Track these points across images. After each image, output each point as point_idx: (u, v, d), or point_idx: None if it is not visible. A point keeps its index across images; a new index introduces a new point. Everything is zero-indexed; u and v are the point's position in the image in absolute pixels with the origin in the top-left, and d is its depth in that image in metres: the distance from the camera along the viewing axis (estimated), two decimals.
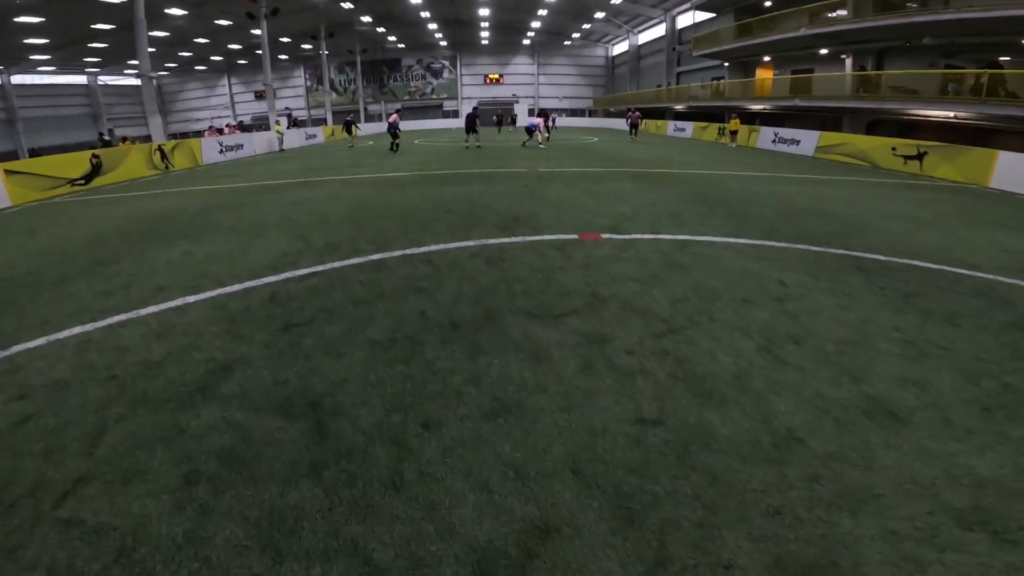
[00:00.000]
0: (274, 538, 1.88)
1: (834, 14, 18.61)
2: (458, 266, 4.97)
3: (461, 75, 47.13)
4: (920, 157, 13.56)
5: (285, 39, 37.65)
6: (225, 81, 49.82)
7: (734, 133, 22.08)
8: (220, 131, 23.76)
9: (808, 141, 18.13)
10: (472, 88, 47.34)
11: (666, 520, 1.96)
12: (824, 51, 20.84)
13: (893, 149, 14.44)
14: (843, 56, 19.95)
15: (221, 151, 18.94)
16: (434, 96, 47.78)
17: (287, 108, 44.57)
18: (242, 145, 20.61)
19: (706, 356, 3.22)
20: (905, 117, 16.86)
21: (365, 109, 43.58)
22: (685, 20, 33.03)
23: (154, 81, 18.78)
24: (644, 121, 29.58)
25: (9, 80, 36.59)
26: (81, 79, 43.03)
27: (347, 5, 31.22)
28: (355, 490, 2.12)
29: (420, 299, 4.15)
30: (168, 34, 31.76)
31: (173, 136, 36.63)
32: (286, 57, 44.69)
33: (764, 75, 25.08)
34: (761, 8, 22.93)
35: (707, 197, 8.81)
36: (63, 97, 41.60)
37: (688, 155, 17.18)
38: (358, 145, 23.90)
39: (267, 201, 8.94)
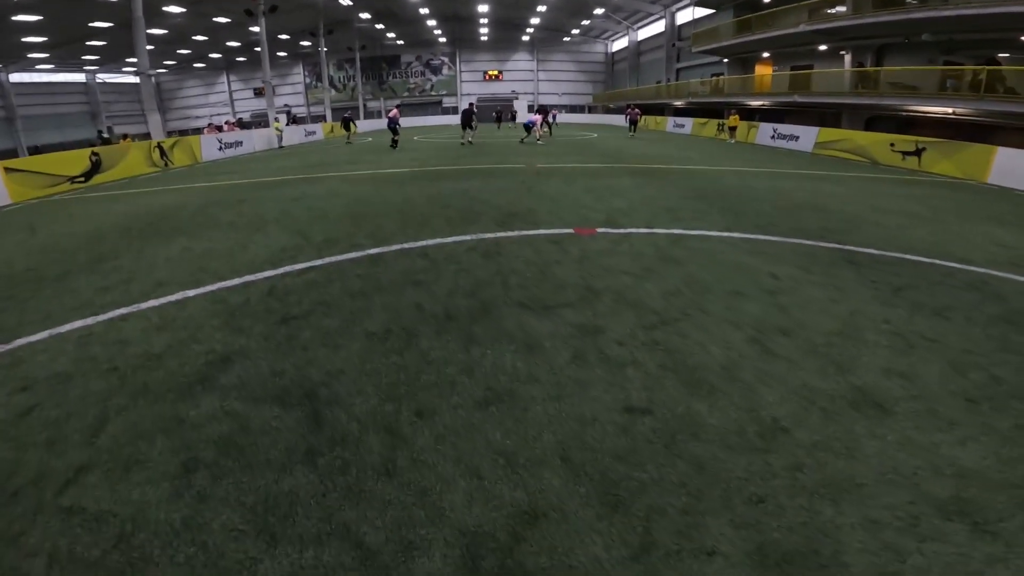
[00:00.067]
0: (269, 523, 1.94)
1: (833, 10, 18.58)
2: (455, 260, 5.02)
3: (460, 71, 47.01)
4: (919, 153, 13.56)
5: (284, 36, 37.56)
6: (224, 78, 49.73)
7: (733, 129, 22.07)
8: (219, 128, 23.74)
9: (807, 137, 18.12)
10: (471, 84, 47.23)
11: (651, 507, 2.00)
12: (823, 47, 20.82)
13: (892, 145, 14.45)
14: (842, 52, 19.93)
15: (220, 148, 18.97)
16: (433, 93, 47.68)
17: (286, 105, 44.50)
18: (241, 142, 20.63)
19: (696, 347, 3.26)
20: (904, 113, 16.85)
21: (364, 106, 43.53)
22: (684, 16, 32.91)
23: (153, 79, 18.78)
24: (644, 118, 29.53)
25: (8, 78, 36.57)
26: (80, 77, 42.98)
27: (346, 2, 31.11)
28: (349, 476, 2.17)
29: (417, 292, 4.20)
30: (166, 32, 31.68)
31: (172, 134, 36.70)
32: (285, 54, 44.59)
33: (763, 71, 25.07)
34: (760, 4, 22.86)
35: (704, 193, 8.84)
36: (62, 95, 41.55)
37: (687, 151, 17.18)
38: (356, 142, 23.88)
39: (266, 197, 8.98)
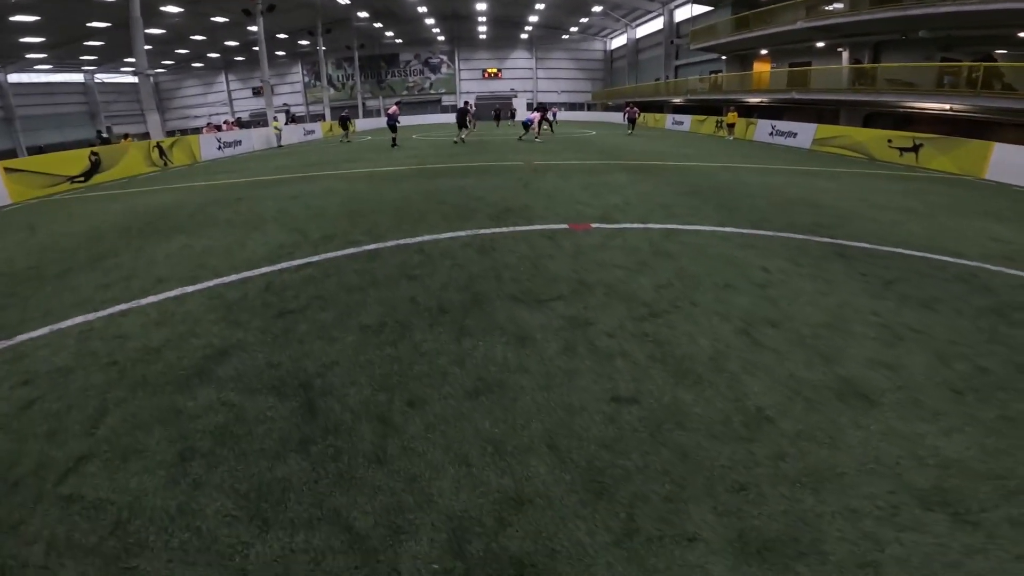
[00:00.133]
0: (261, 508, 1.99)
1: (831, 7, 18.60)
2: (450, 255, 5.07)
3: (459, 70, 46.99)
4: (916, 149, 13.58)
5: (282, 35, 37.56)
6: (223, 78, 49.72)
7: (731, 126, 22.07)
8: (218, 127, 23.79)
9: (805, 133, 18.14)
10: (470, 83, 47.20)
11: (635, 494, 2.05)
12: (821, 44, 20.82)
13: (889, 141, 14.46)
14: (840, 49, 19.94)
15: (219, 147, 19.00)
16: (432, 91, 47.66)
17: (285, 104, 44.50)
18: (240, 141, 20.66)
19: (685, 339, 3.31)
20: (901, 110, 16.88)
21: (363, 105, 43.51)
22: (683, 13, 32.87)
23: (151, 79, 18.82)
24: (642, 115, 29.54)
25: (6, 79, 36.57)
26: (78, 77, 42.96)
27: (344, 1, 31.13)
28: (340, 464, 2.22)
29: (411, 286, 4.26)
30: (164, 31, 31.67)
31: (172, 133, 36.73)
32: (283, 53, 44.57)
33: (761, 68, 25.05)
34: (758, 1, 22.87)
35: (700, 189, 8.88)
36: (60, 95, 41.54)
37: (685, 148, 17.20)
38: (356, 140, 23.90)
39: (264, 196, 9.02)
